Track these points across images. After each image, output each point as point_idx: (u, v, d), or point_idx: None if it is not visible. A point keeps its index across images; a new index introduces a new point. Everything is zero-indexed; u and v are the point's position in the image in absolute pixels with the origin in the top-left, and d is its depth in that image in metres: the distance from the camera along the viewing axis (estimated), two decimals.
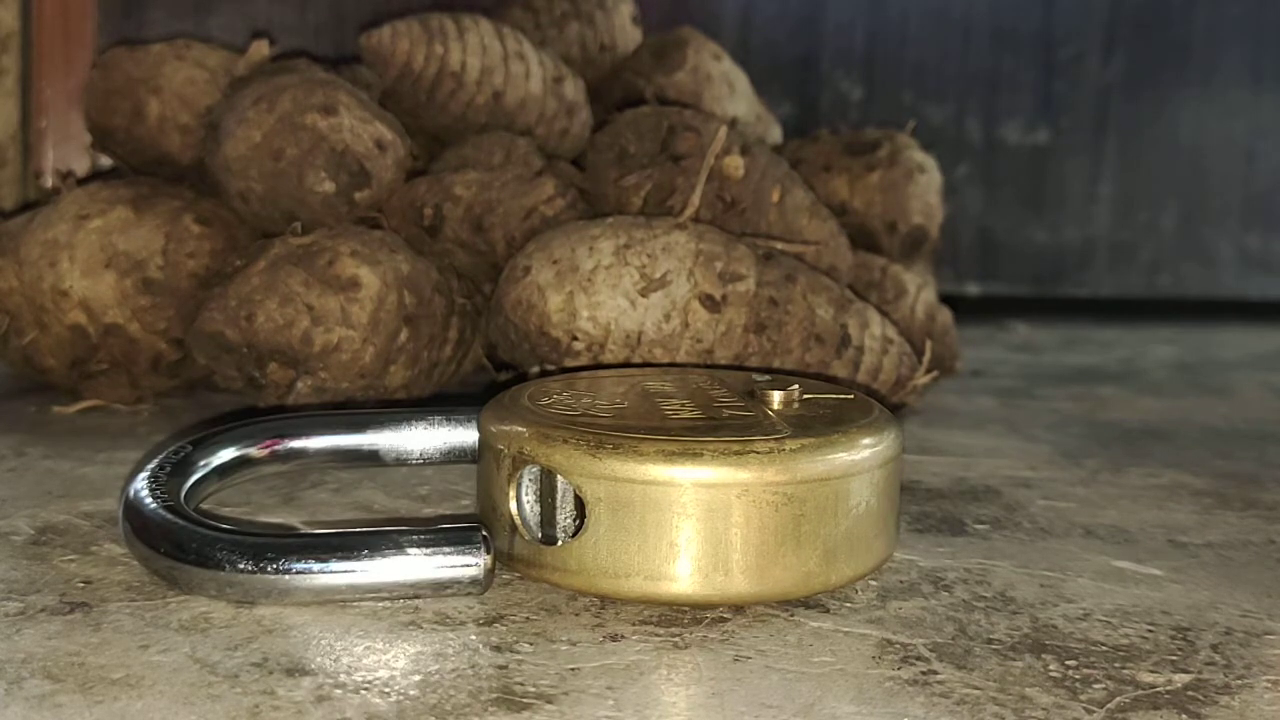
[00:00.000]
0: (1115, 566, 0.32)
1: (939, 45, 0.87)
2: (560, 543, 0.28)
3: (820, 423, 0.29)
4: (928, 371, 0.46)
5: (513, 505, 0.28)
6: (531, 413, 0.29)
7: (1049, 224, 0.91)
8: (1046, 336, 0.80)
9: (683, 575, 0.27)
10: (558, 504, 0.28)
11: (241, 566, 0.26)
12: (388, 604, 0.27)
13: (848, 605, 0.28)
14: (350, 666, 0.24)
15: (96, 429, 0.43)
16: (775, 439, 0.27)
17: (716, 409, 0.30)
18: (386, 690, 0.23)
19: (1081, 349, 0.75)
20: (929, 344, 0.47)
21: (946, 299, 0.56)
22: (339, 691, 0.23)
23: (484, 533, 0.27)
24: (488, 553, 0.27)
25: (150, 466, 0.30)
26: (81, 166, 0.68)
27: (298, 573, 0.26)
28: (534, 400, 0.31)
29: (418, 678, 0.23)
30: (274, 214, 0.46)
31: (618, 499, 0.27)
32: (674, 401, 0.31)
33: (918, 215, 0.58)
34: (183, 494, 0.29)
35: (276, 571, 0.26)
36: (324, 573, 0.26)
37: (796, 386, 0.31)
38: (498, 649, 0.25)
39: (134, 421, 0.45)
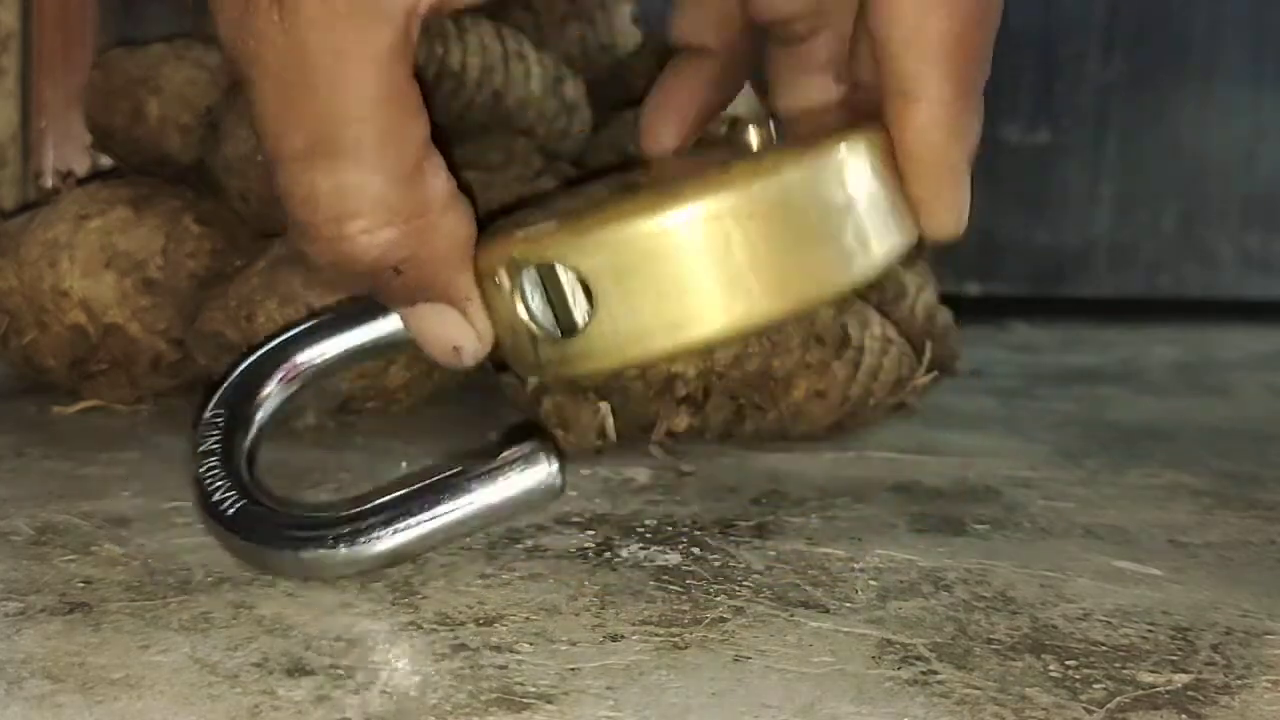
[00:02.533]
0: (1115, 566, 0.32)
1: None
2: (580, 328, 0.28)
3: (799, 140, 0.29)
4: (928, 371, 0.46)
5: (523, 313, 0.28)
6: (513, 225, 0.29)
7: (1049, 224, 0.91)
8: (1046, 336, 0.80)
9: (705, 314, 0.27)
10: (568, 299, 0.28)
11: (340, 544, 0.27)
12: (389, 604, 0.27)
13: (848, 605, 0.28)
14: (350, 666, 0.24)
15: (96, 429, 0.43)
16: (755, 159, 0.27)
17: (695, 163, 0.30)
18: (386, 690, 0.23)
19: (1081, 349, 0.75)
20: (929, 344, 0.47)
21: (946, 299, 0.56)
22: (339, 691, 0.23)
23: (545, 446, 0.28)
24: (557, 458, 0.28)
25: (205, 448, 0.30)
26: (81, 166, 0.68)
27: (388, 536, 0.28)
28: (515, 222, 0.30)
29: (418, 678, 0.23)
30: (274, 214, 0.46)
31: (617, 266, 0.27)
32: (649, 174, 0.30)
33: None
34: (244, 467, 0.30)
35: (368, 541, 0.28)
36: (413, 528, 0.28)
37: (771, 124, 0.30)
38: (498, 649, 0.25)
39: (134, 421, 0.45)
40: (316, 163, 0.27)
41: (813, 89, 0.34)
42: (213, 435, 0.30)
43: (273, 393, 0.32)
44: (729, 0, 0.34)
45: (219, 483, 0.29)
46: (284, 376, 0.32)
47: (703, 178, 0.27)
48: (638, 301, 0.27)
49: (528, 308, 0.28)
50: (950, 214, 0.30)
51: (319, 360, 0.32)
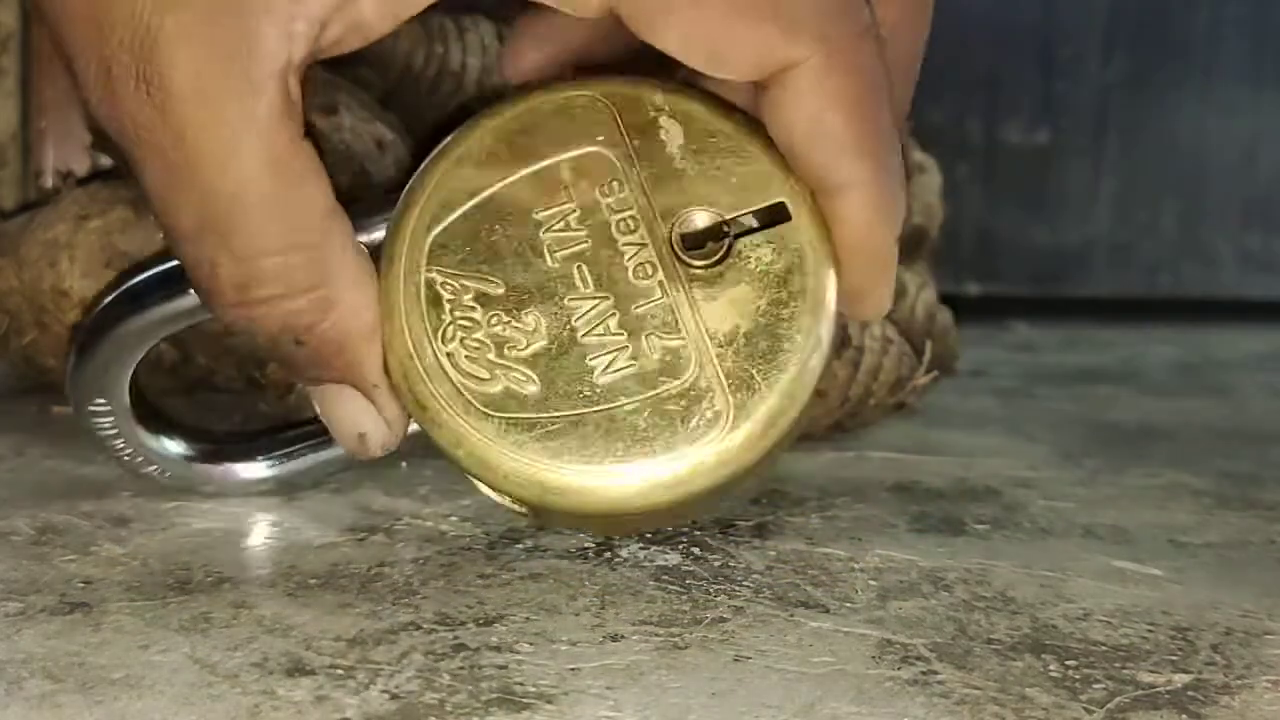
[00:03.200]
0: (1115, 566, 0.32)
1: (939, 45, 0.87)
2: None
3: (758, 357, 0.27)
4: (928, 371, 0.46)
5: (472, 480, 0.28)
6: (449, 384, 0.27)
7: (1049, 224, 0.91)
8: (1046, 336, 0.80)
9: (643, 526, 0.31)
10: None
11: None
12: (389, 604, 0.27)
13: (848, 605, 0.28)
14: (350, 666, 0.24)
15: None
16: (720, 438, 0.26)
17: (639, 323, 0.27)
18: (386, 690, 0.23)
19: (1081, 349, 0.75)
20: (929, 344, 0.47)
21: (946, 299, 0.56)
22: (339, 692, 0.23)
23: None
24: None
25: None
26: (81, 166, 0.68)
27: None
28: (433, 313, 0.27)
29: (418, 678, 0.23)
30: None
31: (573, 516, 0.28)
32: (591, 309, 0.27)
33: (917, 215, 0.58)
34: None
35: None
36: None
37: (716, 216, 0.28)
38: (497, 649, 0.25)
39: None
40: (209, 239, 0.26)
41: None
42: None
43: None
44: None
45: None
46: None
47: (671, 455, 0.26)
48: (586, 525, 0.30)
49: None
50: (882, 301, 0.30)
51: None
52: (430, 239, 0.28)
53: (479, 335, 0.27)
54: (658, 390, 0.27)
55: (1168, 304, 0.92)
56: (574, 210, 0.28)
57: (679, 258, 0.28)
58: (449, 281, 0.28)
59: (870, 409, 0.44)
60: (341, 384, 0.28)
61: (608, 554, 0.31)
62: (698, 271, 0.27)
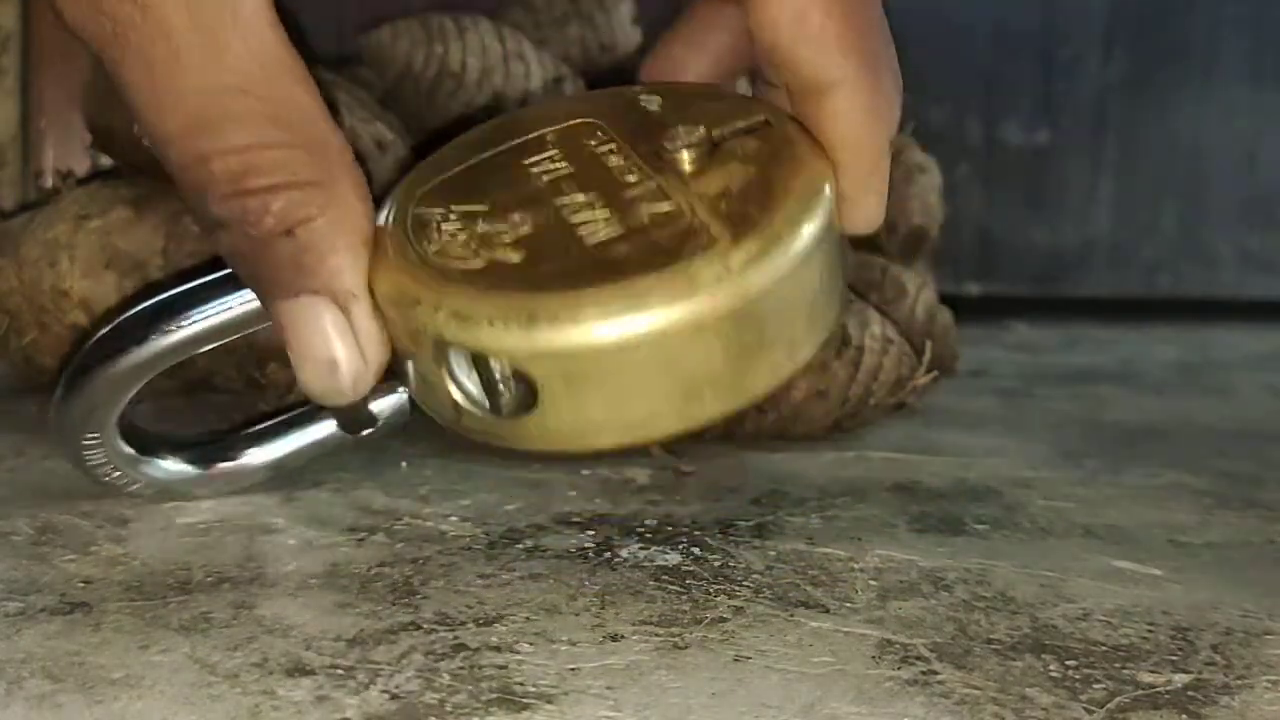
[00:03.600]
0: (1115, 566, 0.32)
1: (939, 45, 0.87)
2: (515, 415, 0.25)
3: (752, 200, 0.26)
4: (928, 371, 0.46)
5: (451, 388, 0.26)
6: (433, 264, 0.26)
7: (1049, 224, 0.91)
8: (1046, 336, 0.80)
9: (658, 419, 0.25)
10: (501, 382, 0.26)
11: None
12: (389, 604, 0.27)
13: (848, 605, 0.28)
14: (350, 666, 0.24)
15: None
16: (718, 257, 0.25)
17: (628, 203, 0.26)
18: (386, 690, 0.23)
19: (1081, 349, 0.75)
20: (929, 344, 0.47)
21: (946, 299, 0.56)
22: (339, 692, 0.23)
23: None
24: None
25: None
26: (81, 166, 0.68)
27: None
28: (425, 233, 0.27)
29: (418, 678, 0.23)
30: None
31: (568, 372, 0.24)
32: (579, 199, 0.27)
33: (918, 215, 0.58)
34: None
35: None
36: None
37: (702, 130, 0.27)
38: (498, 649, 0.25)
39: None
40: (204, 135, 0.25)
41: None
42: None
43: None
44: None
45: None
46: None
47: (666, 273, 0.24)
48: (587, 402, 0.25)
49: (452, 376, 0.26)
50: (877, 205, 0.29)
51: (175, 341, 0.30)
52: (417, 194, 0.28)
53: (463, 235, 0.26)
54: (649, 235, 0.26)
55: (1168, 304, 0.92)
56: (560, 153, 0.28)
57: (665, 160, 0.27)
58: (434, 210, 0.27)
59: (870, 409, 0.44)
60: (318, 296, 0.26)
61: (608, 554, 0.31)
62: (685, 168, 0.27)
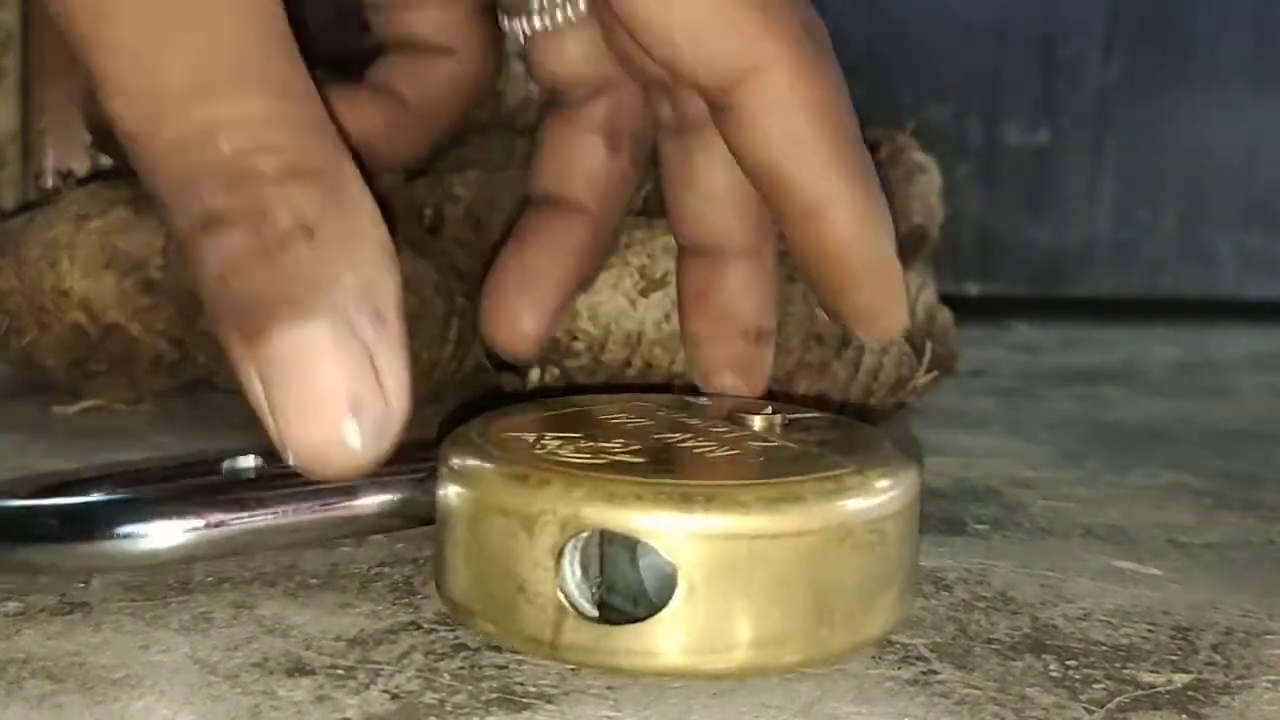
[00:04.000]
0: (1115, 566, 0.32)
1: (939, 45, 0.87)
2: (636, 620, 0.23)
3: (853, 446, 0.26)
4: (928, 371, 0.46)
5: (562, 583, 0.23)
6: (551, 460, 0.24)
7: (1049, 224, 0.91)
8: (1046, 336, 0.80)
9: (789, 637, 0.23)
10: (590, 569, 0.24)
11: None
12: (389, 604, 0.27)
13: None
14: (351, 666, 0.24)
15: (96, 429, 0.43)
16: (854, 473, 0.24)
17: (727, 440, 0.26)
18: (387, 690, 0.23)
19: (1081, 349, 0.75)
20: (929, 344, 0.47)
21: (946, 299, 0.56)
22: (339, 692, 0.23)
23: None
24: None
25: None
26: (81, 166, 0.68)
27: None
28: (523, 445, 0.25)
29: (418, 678, 0.23)
30: None
31: (717, 562, 0.22)
32: (676, 437, 0.26)
33: (918, 215, 0.58)
34: None
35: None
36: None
37: (770, 409, 0.28)
38: (498, 649, 0.25)
39: (134, 421, 0.45)
40: (211, 95, 0.22)
41: (579, 147, 0.32)
42: None
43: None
44: (601, 149, 0.31)
45: None
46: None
47: (815, 476, 0.24)
48: (723, 605, 0.22)
49: (567, 575, 0.23)
50: (896, 316, 0.29)
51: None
52: (495, 426, 0.26)
53: (570, 447, 0.25)
54: (769, 458, 0.25)
55: (1168, 304, 0.92)
56: (635, 416, 0.28)
57: (742, 426, 0.27)
58: (524, 434, 0.26)
59: (870, 409, 0.44)
60: (334, 318, 0.22)
61: None
62: (763, 429, 0.27)
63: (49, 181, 0.67)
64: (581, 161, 0.32)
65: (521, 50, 0.35)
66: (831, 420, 0.29)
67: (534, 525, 0.23)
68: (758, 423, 0.27)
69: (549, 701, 0.23)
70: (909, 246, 0.58)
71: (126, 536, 0.26)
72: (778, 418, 0.27)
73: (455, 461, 0.24)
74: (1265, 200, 0.93)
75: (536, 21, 0.31)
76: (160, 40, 0.22)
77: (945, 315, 0.55)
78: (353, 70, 0.55)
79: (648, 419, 0.28)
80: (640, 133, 0.33)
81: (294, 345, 0.22)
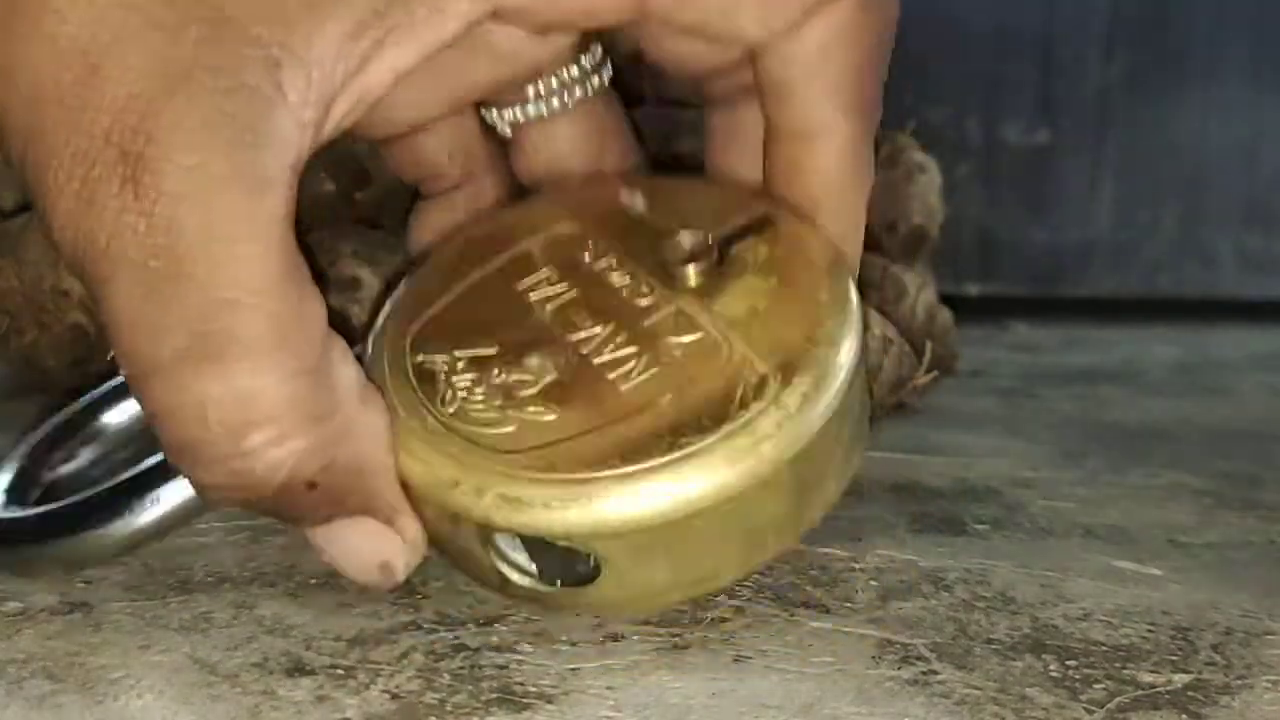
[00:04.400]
0: (1115, 566, 0.32)
1: (939, 45, 0.87)
2: (568, 585, 0.24)
3: (786, 320, 0.25)
4: (928, 371, 0.46)
5: (498, 564, 0.24)
6: (458, 438, 0.24)
7: (1049, 224, 0.91)
8: (1046, 336, 0.80)
9: (722, 570, 0.25)
10: (556, 556, 0.24)
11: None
12: (389, 604, 0.27)
13: (848, 605, 0.28)
14: (351, 666, 0.24)
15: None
16: (772, 403, 0.23)
17: (651, 334, 0.25)
18: (387, 690, 0.23)
19: (1081, 349, 0.75)
20: (929, 344, 0.47)
21: (946, 299, 0.56)
22: (339, 692, 0.23)
23: None
24: None
25: None
26: None
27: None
28: (429, 390, 0.25)
29: (418, 678, 0.23)
30: None
31: (634, 546, 0.23)
32: (596, 333, 0.25)
33: (918, 215, 0.58)
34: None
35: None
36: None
37: (703, 235, 0.26)
38: (498, 649, 0.25)
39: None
40: (203, 367, 0.22)
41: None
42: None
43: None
44: (478, 206, 0.31)
45: None
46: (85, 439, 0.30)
47: (723, 432, 0.23)
48: (650, 570, 0.24)
49: (499, 554, 0.24)
50: (855, 256, 0.28)
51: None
52: (410, 334, 0.26)
53: (481, 390, 0.24)
54: (690, 378, 0.24)
55: (1168, 304, 0.92)
56: (554, 272, 0.27)
57: (674, 276, 0.26)
58: (436, 357, 0.25)
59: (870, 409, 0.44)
60: (355, 518, 0.25)
61: None
62: (697, 282, 0.26)
63: None
64: None
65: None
66: (776, 247, 0.27)
67: (457, 522, 0.24)
68: (693, 274, 0.25)
69: (549, 701, 0.23)
70: (909, 246, 0.58)
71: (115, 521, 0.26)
72: (711, 256, 0.26)
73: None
74: (1265, 200, 0.93)
75: (530, 110, 0.29)
76: (155, 313, 0.22)
77: (945, 315, 0.55)
78: None
79: (568, 281, 0.26)
80: None
81: (321, 538, 0.26)
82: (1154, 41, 0.90)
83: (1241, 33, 0.91)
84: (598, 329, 0.25)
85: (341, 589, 0.28)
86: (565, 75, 0.29)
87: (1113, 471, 0.42)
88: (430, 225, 0.31)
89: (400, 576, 0.26)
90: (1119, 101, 0.90)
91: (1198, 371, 0.68)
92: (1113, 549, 0.33)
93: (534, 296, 0.26)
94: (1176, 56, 0.91)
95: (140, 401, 0.23)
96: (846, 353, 0.25)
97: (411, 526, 0.25)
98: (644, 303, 0.26)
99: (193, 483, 0.24)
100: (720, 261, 0.26)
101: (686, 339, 0.25)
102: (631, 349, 0.25)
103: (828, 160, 0.27)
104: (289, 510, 0.25)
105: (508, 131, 0.30)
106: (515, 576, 0.24)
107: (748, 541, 0.24)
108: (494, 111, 0.30)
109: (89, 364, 0.46)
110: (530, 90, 0.29)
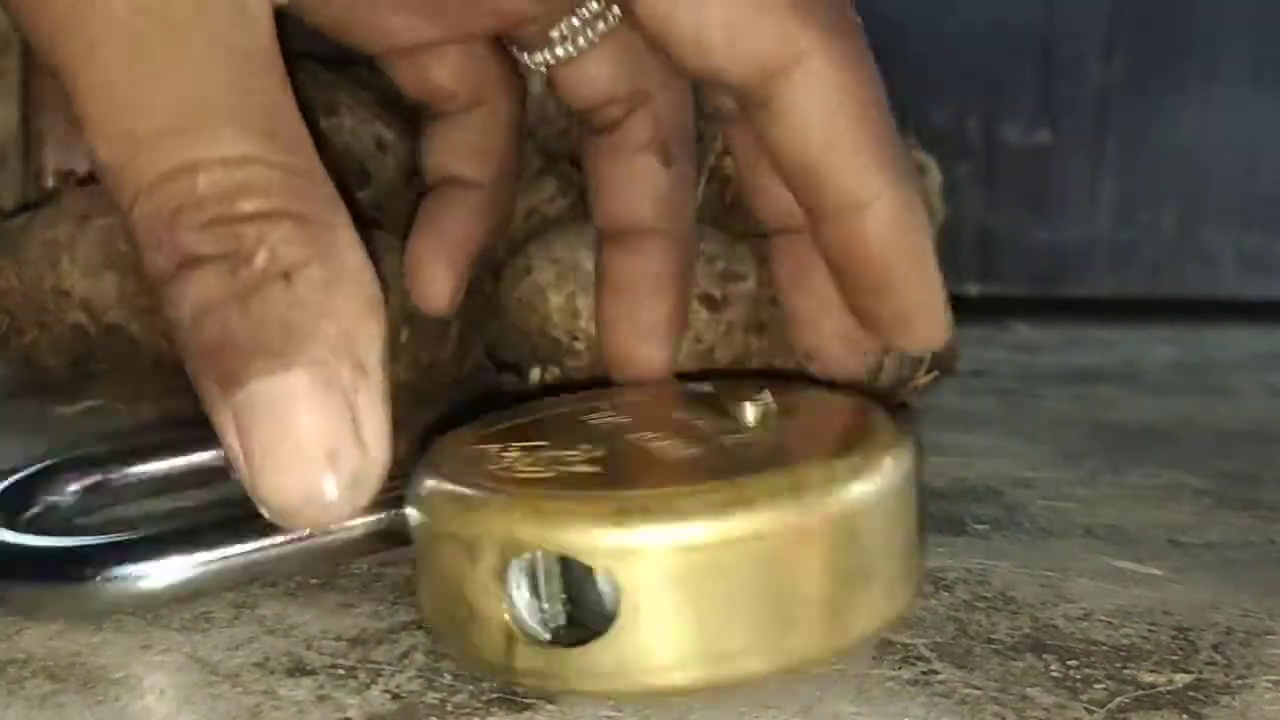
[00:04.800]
0: (1115, 566, 0.32)
1: (939, 45, 0.87)
2: (584, 641, 0.22)
3: (841, 432, 0.25)
4: (928, 371, 0.46)
5: (509, 606, 0.22)
6: (499, 478, 0.23)
7: (1049, 224, 0.91)
8: (1046, 336, 0.80)
9: (748, 650, 0.22)
10: (545, 590, 0.23)
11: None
12: (389, 604, 0.27)
13: None
14: (352, 666, 0.24)
15: (96, 429, 0.43)
16: (822, 462, 0.23)
17: (703, 435, 0.25)
18: (388, 690, 0.23)
19: (1081, 349, 0.75)
20: None
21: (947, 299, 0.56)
22: (340, 691, 0.23)
23: None
24: None
25: None
26: (81, 166, 0.68)
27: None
28: (482, 460, 0.24)
29: (419, 677, 0.23)
30: None
31: (659, 576, 0.21)
32: (648, 435, 0.25)
33: None
34: None
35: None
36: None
37: (766, 393, 0.26)
38: None
39: (134, 421, 0.45)
40: (192, 137, 0.21)
41: (636, 172, 0.31)
42: None
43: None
44: (490, 128, 0.31)
45: None
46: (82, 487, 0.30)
47: (768, 475, 0.22)
48: (671, 621, 0.21)
49: (512, 598, 0.22)
50: (939, 316, 0.28)
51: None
52: (466, 439, 0.26)
53: (529, 459, 0.24)
54: (736, 453, 0.24)
55: (1168, 304, 0.92)
56: (619, 412, 0.27)
57: (734, 415, 0.26)
58: (489, 446, 0.25)
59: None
60: (311, 368, 0.21)
61: None
62: (756, 419, 0.26)
63: (49, 181, 0.67)
64: (643, 186, 0.32)
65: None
66: (838, 403, 0.28)
67: (475, 548, 0.22)
68: (749, 411, 0.26)
69: (549, 701, 0.23)
70: None
71: (122, 578, 0.24)
72: (773, 405, 0.26)
73: (413, 483, 0.24)
74: (1265, 200, 0.93)
75: (560, 50, 0.30)
76: (143, 79, 0.21)
77: None
78: (349, 67, 0.55)
79: (632, 416, 0.27)
80: (684, 129, 0.32)
81: (269, 394, 0.21)
82: (1154, 41, 0.90)
83: (1241, 33, 0.91)
84: (649, 434, 0.25)
85: (342, 589, 0.28)
86: (585, 11, 0.30)
87: (1113, 471, 0.42)
88: (441, 146, 0.31)
89: (338, 490, 0.21)
90: (1119, 101, 0.90)
91: (1198, 371, 0.68)
92: (1113, 549, 0.33)
93: (595, 420, 0.27)
94: (1176, 56, 0.91)
95: (121, 185, 0.21)
96: (901, 455, 0.24)
97: (375, 416, 0.21)
98: (699, 422, 0.26)
99: (175, 254, 0.21)
100: (779, 411, 0.26)
101: (737, 438, 0.25)
102: (682, 441, 0.25)
103: (879, 226, 0.27)
104: (251, 323, 0.21)
105: (543, 72, 0.31)
106: (522, 633, 0.22)
107: (779, 616, 0.22)
108: (524, 55, 0.31)
109: (89, 364, 0.46)
110: (554, 33, 0.30)
